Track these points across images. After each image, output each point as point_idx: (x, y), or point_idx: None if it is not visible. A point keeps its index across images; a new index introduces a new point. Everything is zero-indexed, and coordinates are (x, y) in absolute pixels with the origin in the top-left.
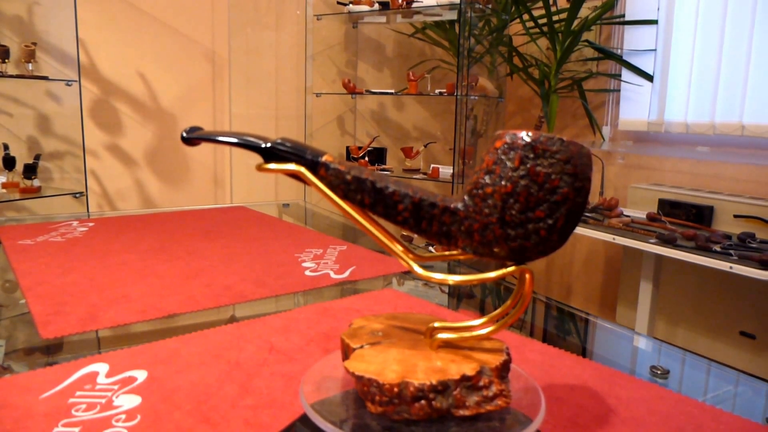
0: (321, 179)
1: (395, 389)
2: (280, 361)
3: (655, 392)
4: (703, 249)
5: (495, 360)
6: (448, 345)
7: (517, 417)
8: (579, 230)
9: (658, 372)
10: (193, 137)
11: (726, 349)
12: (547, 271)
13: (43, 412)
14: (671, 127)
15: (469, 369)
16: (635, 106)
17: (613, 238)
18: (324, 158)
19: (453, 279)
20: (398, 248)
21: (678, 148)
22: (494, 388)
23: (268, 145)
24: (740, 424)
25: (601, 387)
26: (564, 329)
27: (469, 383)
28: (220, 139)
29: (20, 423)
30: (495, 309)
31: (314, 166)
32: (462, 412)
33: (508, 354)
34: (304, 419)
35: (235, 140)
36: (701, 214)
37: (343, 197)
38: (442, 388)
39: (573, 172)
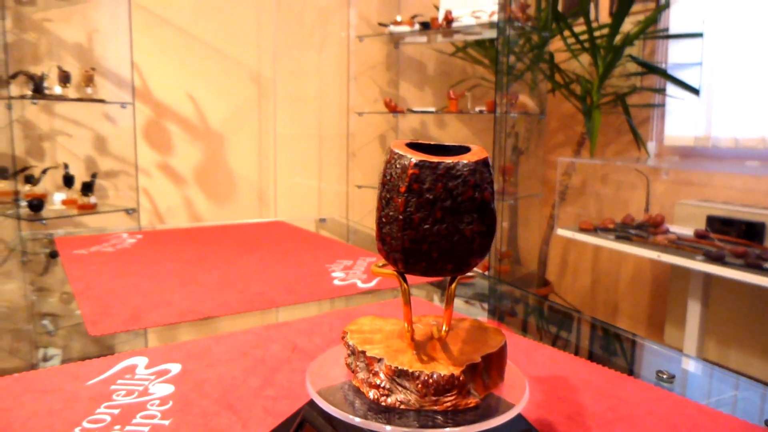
0: None
1: (342, 337)
2: (302, 359)
3: (657, 394)
4: (754, 266)
5: (402, 365)
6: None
7: (503, 404)
8: (623, 248)
9: (664, 376)
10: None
11: None
12: (593, 289)
13: (88, 396)
14: (719, 142)
15: (374, 352)
16: (681, 121)
17: (658, 256)
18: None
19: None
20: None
21: (727, 163)
22: (375, 380)
23: None
24: (738, 426)
25: (604, 388)
26: (587, 341)
27: (364, 361)
28: None
29: (68, 404)
30: (536, 328)
31: None
32: (353, 381)
33: (449, 374)
34: (312, 404)
35: None
36: (753, 231)
37: None
38: (351, 352)
39: (383, 181)
